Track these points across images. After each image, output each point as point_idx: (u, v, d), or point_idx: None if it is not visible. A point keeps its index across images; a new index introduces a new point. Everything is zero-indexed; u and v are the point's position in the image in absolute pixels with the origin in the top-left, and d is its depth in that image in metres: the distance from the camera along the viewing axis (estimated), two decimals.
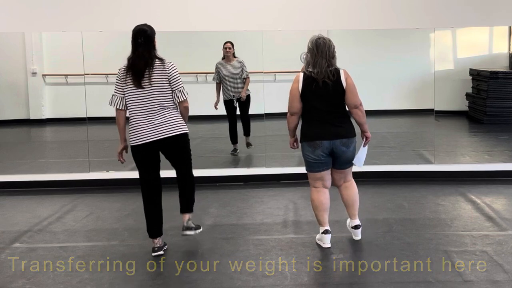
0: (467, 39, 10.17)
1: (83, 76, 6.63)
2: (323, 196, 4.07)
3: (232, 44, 7.18)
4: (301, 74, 3.99)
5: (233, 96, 7.20)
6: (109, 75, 9.28)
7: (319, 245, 4.10)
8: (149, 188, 4.02)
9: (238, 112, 7.36)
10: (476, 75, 9.87)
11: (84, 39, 6.21)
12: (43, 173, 6.41)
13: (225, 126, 7.36)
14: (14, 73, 9.98)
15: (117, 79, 3.95)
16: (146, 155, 3.94)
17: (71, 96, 9.16)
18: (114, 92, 3.97)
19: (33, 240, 4.42)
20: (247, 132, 7.42)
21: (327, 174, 4.09)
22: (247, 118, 7.37)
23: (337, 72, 3.94)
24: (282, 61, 9.43)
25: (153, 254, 3.99)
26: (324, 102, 3.93)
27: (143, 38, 3.88)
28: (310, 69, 3.96)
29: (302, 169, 6.19)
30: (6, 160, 7.33)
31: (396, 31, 7.25)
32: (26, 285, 3.55)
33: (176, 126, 3.93)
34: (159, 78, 3.88)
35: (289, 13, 6.24)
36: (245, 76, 7.23)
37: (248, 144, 7.41)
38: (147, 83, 3.86)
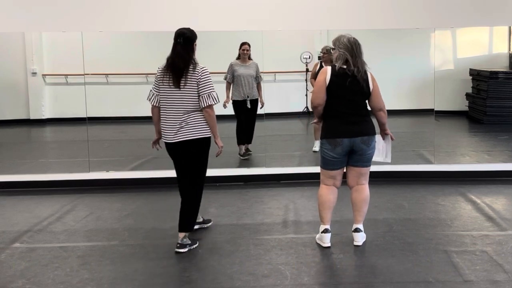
0: (467, 39, 10.18)
1: (83, 76, 6.63)
2: (332, 194, 4.09)
3: (250, 46, 7.10)
4: (329, 68, 4.01)
5: (247, 97, 7.13)
6: (109, 75, 9.31)
7: (319, 245, 4.10)
8: (179, 184, 4.13)
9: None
10: (476, 75, 9.87)
11: (84, 39, 6.21)
12: (43, 173, 6.40)
13: (225, 126, 7.31)
14: (14, 73, 9.99)
15: (155, 77, 4.06)
16: (172, 154, 4.06)
17: (71, 96, 9.16)
18: (152, 88, 4.08)
19: (33, 240, 4.42)
20: (249, 140, 7.28)
21: (340, 174, 4.11)
22: (252, 126, 7.23)
23: (366, 73, 4.00)
24: (282, 61, 9.46)
25: (175, 250, 4.01)
26: (349, 98, 3.95)
27: (182, 39, 3.96)
28: (338, 64, 3.96)
29: (302, 169, 6.26)
30: (6, 160, 7.33)
31: (396, 31, 7.26)
32: (26, 285, 3.55)
33: (193, 131, 3.97)
34: (190, 81, 3.93)
35: (289, 13, 6.23)
36: (259, 80, 7.13)
37: (247, 150, 7.33)
38: (183, 84, 3.93)
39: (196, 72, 3.95)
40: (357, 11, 6.25)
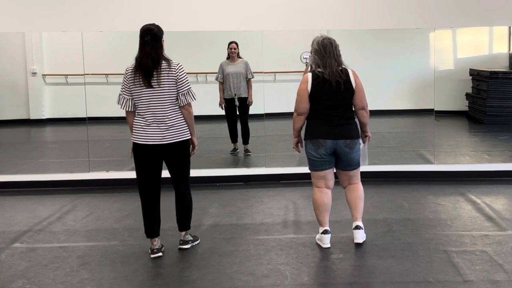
0: (467, 39, 10.17)
1: (83, 76, 6.63)
2: (325, 196, 4.07)
3: (237, 44, 7.15)
4: (310, 75, 3.99)
5: (235, 95, 7.19)
6: (109, 75, 9.30)
7: (319, 245, 4.10)
8: (145, 188, 3.98)
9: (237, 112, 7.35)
10: (476, 75, 9.87)
11: (84, 39, 6.21)
12: (43, 173, 6.40)
13: (225, 126, 7.35)
14: (14, 73, 9.97)
15: (124, 80, 3.89)
16: (146, 156, 3.91)
17: (71, 96, 9.16)
18: (121, 92, 3.92)
19: (33, 240, 4.42)
20: (246, 140, 7.34)
21: (329, 174, 4.08)
22: (246, 125, 7.30)
23: (346, 71, 3.96)
24: (282, 61, 9.45)
25: (152, 256, 3.97)
26: (334, 102, 3.93)
27: (150, 37, 3.82)
28: (320, 70, 3.95)
29: (302, 169, 6.23)
30: (6, 160, 7.33)
31: (396, 31, 7.26)
32: (26, 285, 3.55)
33: (180, 132, 3.90)
34: (166, 79, 3.83)
35: (289, 13, 6.23)
36: (250, 77, 7.17)
37: (247, 151, 7.35)
38: (156, 83, 3.81)
39: (173, 69, 3.84)
40: (357, 11, 6.26)
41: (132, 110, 3.91)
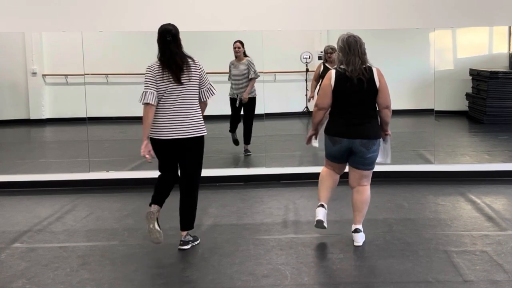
0: (467, 39, 10.18)
1: (83, 76, 6.63)
2: (332, 176, 4.15)
3: (242, 44, 7.11)
4: (333, 71, 4.01)
5: (237, 95, 7.17)
6: (109, 75, 9.31)
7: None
8: (165, 170, 4.11)
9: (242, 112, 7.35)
10: (476, 75, 9.87)
11: (84, 39, 6.21)
12: (43, 173, 6.40)
13: (225, 126, 7.35)
14: (14, 73, 9.98)
15: (150, 76, 3.95)
16: (165, 150, 4.00)
17: (71, 96, 9.16)
18: (146, 88, 3.94)
19: (33, 240, 4.42)
20: (247, 140, 7.31)
21: (341, 166, 4.17)
22: (249, 126, 7.25)
23: (370, 70, 3.96)
24: (282, 61, 9.45)
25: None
26: (356, 100, 3.94)
27: (171, 36, 3.95)
28: (343, 67, 3.96)
29: (302, 169, 6.26)
30: (6, 160, 7.33)
31: (396, 31, 7.25)
32: (26, 285, 3.55)
33: (199, 127, 4.01)
34: (194, 76, 3.99)
35: (289, 13, 6.23)
36: (252, 76, 7.09)
37: (246, 151, 7.33)
38: (186, 80, 3.95)
39: (197, 67, 4.01)
40: (357, 11, 6.25)
41: (155, 104, 3.96)
